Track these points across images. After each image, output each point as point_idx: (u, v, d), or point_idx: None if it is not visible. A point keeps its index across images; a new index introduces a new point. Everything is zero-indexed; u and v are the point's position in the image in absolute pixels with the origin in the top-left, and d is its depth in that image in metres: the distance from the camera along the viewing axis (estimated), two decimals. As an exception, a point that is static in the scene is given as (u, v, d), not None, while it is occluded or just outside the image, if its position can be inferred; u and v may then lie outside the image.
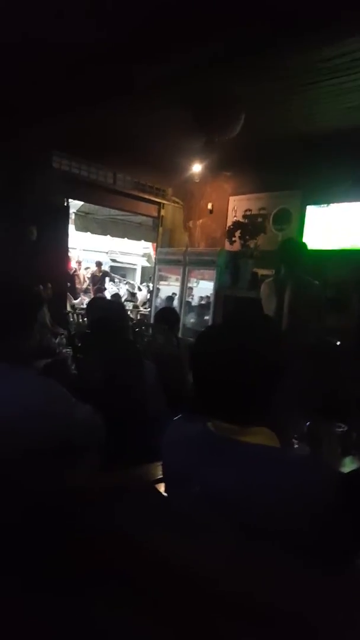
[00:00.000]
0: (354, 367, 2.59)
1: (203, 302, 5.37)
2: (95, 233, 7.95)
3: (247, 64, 3.09)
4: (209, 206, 5.55)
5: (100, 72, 3.24)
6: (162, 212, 6.02)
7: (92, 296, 8.17)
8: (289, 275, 3.21)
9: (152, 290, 6.16)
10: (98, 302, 3.46)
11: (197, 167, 4.99)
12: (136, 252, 12.79)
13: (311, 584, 0.64)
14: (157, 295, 5.91)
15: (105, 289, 9.72)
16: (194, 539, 0.71)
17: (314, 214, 4.42)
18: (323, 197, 4.30)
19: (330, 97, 3.48)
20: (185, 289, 5.37)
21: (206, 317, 5.16)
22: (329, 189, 4.19)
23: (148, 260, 11.87)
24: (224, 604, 0.60)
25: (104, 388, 1.83)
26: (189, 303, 5.44)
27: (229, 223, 5.09)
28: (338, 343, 2.95)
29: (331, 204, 4.26)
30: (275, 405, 0.95)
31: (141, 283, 11.55)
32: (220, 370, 0.91)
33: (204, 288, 5.29)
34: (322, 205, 4.34)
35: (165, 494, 1.05)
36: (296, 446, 1.86)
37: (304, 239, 4.44)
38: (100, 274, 10.09)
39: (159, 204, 5.97)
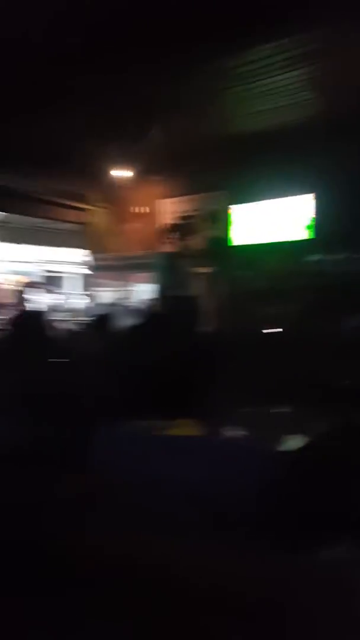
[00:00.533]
0: (288, 352, 2.77)
1: (144, 305, 5.38)
2: (21, 243, 7.65)
3: (166, 69, 3.17)
4: (140, 210, 5.58)
5: (16, 78, 3.17)
6: (92, 218, 5.97)
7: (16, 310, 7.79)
8: (219, 272, 3.36)
9: (87, 297, 6.08)
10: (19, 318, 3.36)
11: (125, 172, 5.00)
12: (74, 259, 12.36)
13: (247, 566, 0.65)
14: (93, 302, 5.85)
15: (29, 301, 9.24)
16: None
17: (239, 212, 4.62)
18: (247, 196, 4.50)
19: (246, 100, 3.65)
20: (121, 294, 5.37)
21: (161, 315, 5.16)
22: (251, 188, 4.39)
23: (85, 268, 11.55)
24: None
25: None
26: (128, 307, 5.43)
27: (161, 225, 5.16)
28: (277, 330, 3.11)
29: (254, 202, 4.47)
30: (201, 398, 0.99)
31: (83, 290, 11.17)
32: (138, 373, 0.94)
33: (144, 291, 5.31)
34: (246, 204, 4.54)
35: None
36: (231, 432, 1.95)
37: (233, 236, 4.64)
38: (26, 286, 9.58)
39: (85, 210, 5.91)
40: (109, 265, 5.42)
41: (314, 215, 4.16)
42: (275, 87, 3.43)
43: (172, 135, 3.71)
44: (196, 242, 4.88)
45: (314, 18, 2.61)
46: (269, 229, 4.42)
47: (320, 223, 4.13)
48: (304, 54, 2.97)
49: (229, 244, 3.64)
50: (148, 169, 4.95)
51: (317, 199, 4.15)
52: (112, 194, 5.74)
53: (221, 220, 4.86)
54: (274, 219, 4.41)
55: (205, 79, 3.32)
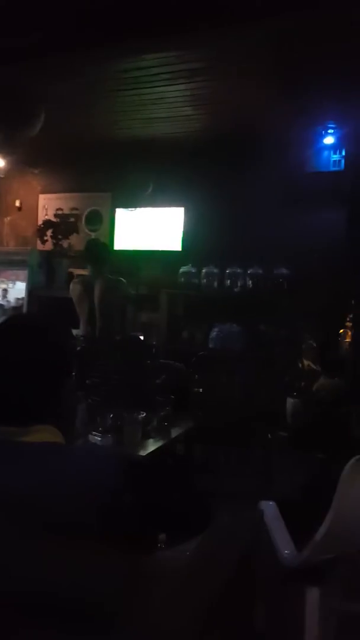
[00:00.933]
0: (156, 357, 2.85)
1: (20, 303, 5.12)
2: None
3: (52, 64, 3.07)
4: (17, 203, 5.30)
5: None
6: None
7: None
8: (95, 275, 3.33)
9: None
10: None
11: (1, 162, 4.72)
12: None
13: (112, 569, 0.69)
14: None
15: None
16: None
17: (123, 216, 4.63)
18: (130, 201, 4.54)
19: (131, 106, 3.69)
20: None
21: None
22: (135, 193, 4.43)
23: None
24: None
25: None
26: (1, 306, 5.12)
27: (40, 222, 4.96)
28: (142, 337, 3.18)
29: (137, 208, 4.52)
30: (61, 402, 0.96)
31: None
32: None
33: (19, 289, 5.04)
34: (129, 209, 4.57)
35: None
36: (98, 437, 1.97)
37: (115, 240, 4.63)
38: None
39: None
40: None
41: (182, 229, 4.33)
42: (159, 97, 3.51)
43: (54, 129, 3.59)
44: (77, 242, 4.77)
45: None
46: (150, 236, 4.48)
47: (187, 237, 4.32)
48: (189, 69, 3.08)
49: (104, 247, 3.61)
50: (28, 161, 4.75)
51: (186, 213, 4.33)
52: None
53: (105, 223, 4.83)
54: (151, 228, 4.49)
55: (93, 78, 3.29)
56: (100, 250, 3.46)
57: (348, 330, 3.48)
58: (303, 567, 1.35)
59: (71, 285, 3.48)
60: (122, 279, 3.42)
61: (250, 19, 2.49)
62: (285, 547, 1.39)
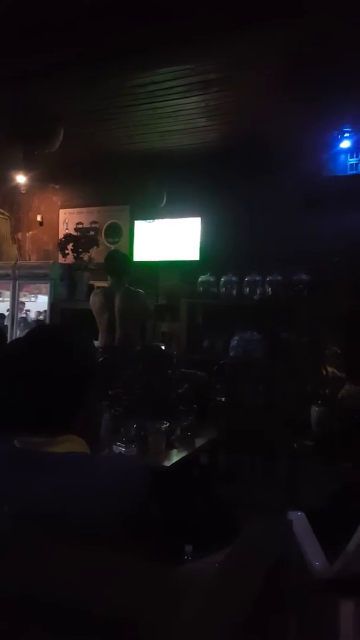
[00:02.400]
0: (177, 368, 2.85)
1: (41, 317, 5.20)
2: None
3: (69, 81, 3.15)
4: (39, 218, 5.41)
5: None
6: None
7: None
8: (116, 286, 3.35)
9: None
10: None
11: (22, 178, 4.84)
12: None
13: (142, 581, 0.68)
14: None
15: None
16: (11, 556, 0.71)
17: (141, 228, 4.67)
18: (148, 213, 4.58)
19: (147, 119, 3.74)
20: (17, 304, 5.12)
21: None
22: (153, 205, 4.48)
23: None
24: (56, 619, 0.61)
25: None
26: (24, 319, 5.20)
27: (61, 236, 5.04)
28: (163, 347, 3.18)
29: (155, 219, 4.56)
30: (86, 412, 0.96)
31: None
32: (19, 384, 0.90)
33: (41, 302, 5.13)
34: (148, 220, 4.61)
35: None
36: (122, 448, 1.97)
37: (134, 252, 4.67)
38: None
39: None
40: (4, 274, 5.15)
41: (199, 238, 4.34)
42: (175, 110, 3.55)
43: (73, 145, 3.66)
44: (98, 254, 4.84)
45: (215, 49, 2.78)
46: (168, 246, 4.51)
47: (204, 246, 4.34)
48: (203, 81, 3.11)
49: (125, 259, 3.65)
50: (48, 176, 4.85)
51: (203, 222, 4.36)
52: (13, 200, 5.53)
53: (124, 235, 4.88)
54: (169, 238, 4.51)
55: (109, 93, 3.35)
56: (120, 261, 3.49)
57: (372, 335, 3.41)
58: (335, 579, 1.31)
59: (92, 297, 3.51)
60: (142, 291, 3.44)
61: (261, 27, 2.50)
62: (316, 558, 1.36)
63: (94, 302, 3.44)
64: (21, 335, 1.12)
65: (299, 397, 3.20)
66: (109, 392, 2.37)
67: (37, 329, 1.13)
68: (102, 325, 3.38)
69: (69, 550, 0.75)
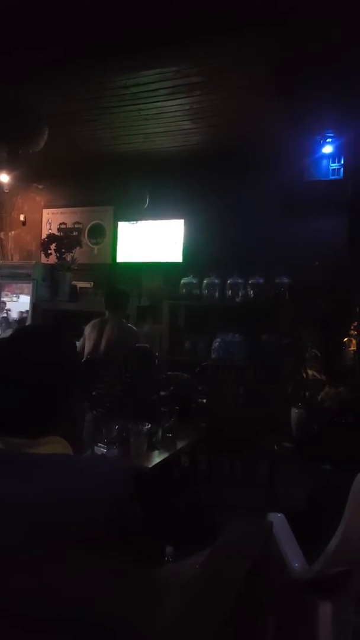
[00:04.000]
0: (159, 369, 2.86)
1: (23, 316, 5.14)
2: None
3: (54, 81, 3.13)
4: (22, 218, 5.35)
5: None
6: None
7: None
8: (111, 318, 3.44)
9: None
10: None
11: (5, 178, 4.78)
12: None
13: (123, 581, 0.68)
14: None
15: None
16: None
17: (125, 229, 4.66)
18: (131, 214, 4.57)
19: (132, 121, 3.73)
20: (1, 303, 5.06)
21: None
22: (136, 206, 4.47)
23: None
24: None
25: None
26: (5, 319, 5.14)
27: (44, 236, 5.00)
28: (148, 348, 3.19)
29: (138, 221, 4.55)
30: (68, 413, 0.96)
31: None
32: (0, 385, 0.90)
33: (23, 302, 5.07)
34: (131, 222, 4.61)
35: None
36: (104, 448, 1.96)
37: (117, 253, 4.66)
38: None
39: None
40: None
41: (183, 240, 4.36)
42: (159, 112, 3.55)
43: (57, 145, 3.63)
44: (80, 255, 4.81)
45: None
46: (151, 248, 4.51)
47: (187, 248, 4.35)
48: (187, 84, 3.12)
49: (124, 295, 3.71)
50: (32, 176, 4.80)
51: (186, 224, 4.37)
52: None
53: (107, 236, 4.86)
54: (152, 240, 4.52)
55: (94, 94, 3.34)
56: (119, 298, 3.60)
57: (352, 339, 3.47)
58: (315, 580, 1.33)
59: (87, 326, 3.60)
60: (134, 328, 3.61)
61: (245, 32, 2.53)
62: (295, 560, 1.37)
63: (88, 329, 3.55)
64: (3, 336, 1.11)
65: (280, 399, 3.24)
66: (92, 393, 2.36)
67: (20, 330, 1.13)
68: (89, 346, 3.49)
69: (50, 552, 0.75)
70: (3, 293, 5.09)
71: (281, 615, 1.20)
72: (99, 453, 2.00)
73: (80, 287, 4.78)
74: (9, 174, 4.71)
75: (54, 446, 0.92)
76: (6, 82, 3.02)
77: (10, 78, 2.99)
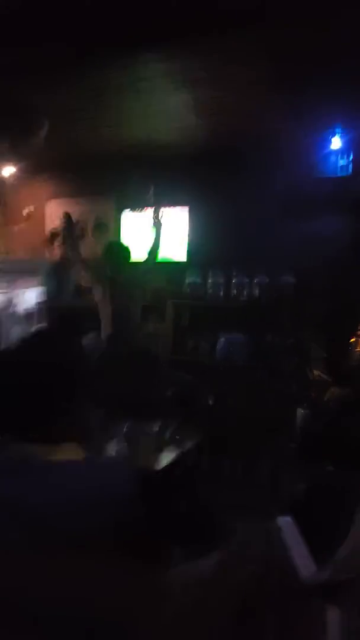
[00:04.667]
0: (164, 370, 2.83)
1: (30, 312, 5.12)
2: None
3: (56, 76, 3.09)
4: (25, 212, 5.32)
5: None
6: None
7: None
8: (115, 278, 3.37)
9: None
10: None
11: (8, 171, 4.75)
12: None
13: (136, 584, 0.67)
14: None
15: None
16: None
17: (128, 224, 4.62)
18: (135, 205, 4.51)
19: (135, 116, 3.69)
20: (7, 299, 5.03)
21: (33, 328, 4.93)
22: (137, 199, 4.40)
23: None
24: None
25: None
26: (13, 314, 5.11)
27: (48, 230, 4.97)
28: (150, 349, 3.16)
29: (143, 211, 4.49)
30: (79, 418, 0.98)
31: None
32: (9, 392, 0.91)
33: (29, 298, 5.05)
34: (135, 212, 4.55)
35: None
36: (113, 450, 1.94)
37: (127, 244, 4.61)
38: None
39: None
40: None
41: (187, 239, 4.33)
42: (163, 108, 3.51)
43: (60, 138, 3.61)
44: (85, 248, 4.76)
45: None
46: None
47: (192, 247, 4.31)
48: (192, 79, 3.07)
49: (125, 250, 3.62)
50: (35, 170, 4.77)
51: (190, 222, 4.34)
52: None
53: (112, 228, 4.82)
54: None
55: (98, 86, 3.30)
56: (121, 252, 3.51)
57: (359, 340, 3.42)
58: (323, 586, 1.29)
59: (93, 289, 3.50)
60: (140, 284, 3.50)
61: (250, 26, 2.48)
62: (304, 565, 1.33)
63: (96, 294, 3.46)
64: (10, 334, 1.13)
65: (285, 400, 3.20)
66: (100, 395, 2.33)
67: (29, 335, 1.13)
68: (104, 317, 3.40)
69: (60, 556, 0.75)
70: (9, 288, 5.05)
71: (289, 620, 1.16)
72: (107, 455, 1.98)
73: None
74: (11, 167, 4.70)
75: (65, 452, 0.93)
76: (6, 76, 3.00)
77: (11, 72, 2.96)
